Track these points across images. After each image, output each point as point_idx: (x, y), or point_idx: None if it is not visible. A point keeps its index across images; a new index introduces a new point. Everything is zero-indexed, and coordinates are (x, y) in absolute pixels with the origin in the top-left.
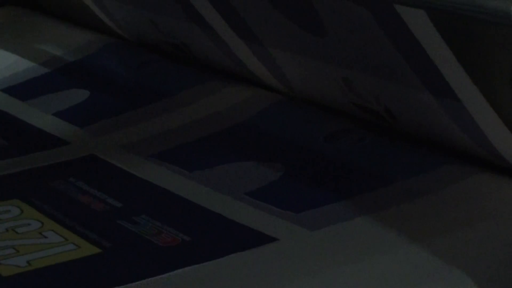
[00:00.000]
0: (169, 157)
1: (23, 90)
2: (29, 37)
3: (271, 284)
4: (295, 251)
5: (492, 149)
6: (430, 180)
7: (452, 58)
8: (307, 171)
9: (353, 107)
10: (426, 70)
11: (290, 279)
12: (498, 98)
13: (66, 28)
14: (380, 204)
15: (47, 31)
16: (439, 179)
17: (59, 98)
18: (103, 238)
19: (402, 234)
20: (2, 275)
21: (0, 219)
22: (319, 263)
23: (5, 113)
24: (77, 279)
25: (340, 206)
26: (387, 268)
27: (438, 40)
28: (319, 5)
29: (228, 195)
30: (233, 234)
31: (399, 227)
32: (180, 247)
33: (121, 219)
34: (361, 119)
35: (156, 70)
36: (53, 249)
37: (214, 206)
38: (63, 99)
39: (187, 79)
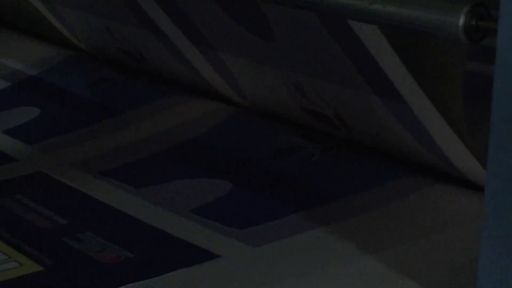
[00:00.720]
0: (117, 174)
1: None
2: None
3: None
4: (237, 267)
5: (441, 154)
6: (379, 194)
7: (400, 64)
8: (254, 187)
9: (305, 114)
10: (374, 75)
11: None
12: (448, 104)
13: (28, 42)
14: (326, 220)
15: (8, 45)
16: (389, 193)
17: (10, 115)
18: (46, 256)
19: (348, 248)
20: None
21: None
22: (260, 279)
23: None
24: None
25: (285, 222)
26: (332, 282)
27: (388, 49)
28: (267, 10)
29: (174, 212)
30: (176, 251)
31: (344, 242)
32: (123, 264)
33: (65, 236)
34: (313, 135)
35: (109, 87)
36: None
37: (159, 223)
38: (14, 117)
39: (141, 96)
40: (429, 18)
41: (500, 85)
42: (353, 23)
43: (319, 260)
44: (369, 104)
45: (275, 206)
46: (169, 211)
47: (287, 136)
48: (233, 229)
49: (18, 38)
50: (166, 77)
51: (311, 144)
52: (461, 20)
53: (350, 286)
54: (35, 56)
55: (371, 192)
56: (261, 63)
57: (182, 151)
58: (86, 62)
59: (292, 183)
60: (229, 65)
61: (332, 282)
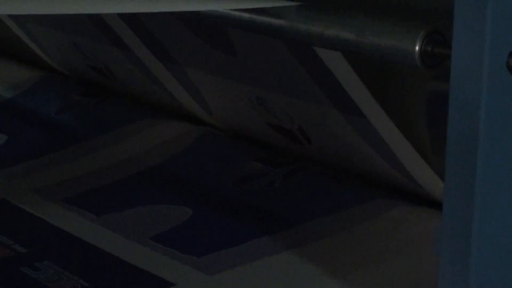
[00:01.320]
0: (80, 201)
1: None
2: None
3: None
4: None
5: (405, 172)
6: (342, 218)
7: (357, 79)
8: (214, 214)
9: (270, 130)
10: (336, 92)
11: None
12: (411, 125)
13: (4, 64)
14: (284, 245)
15: None
16: (353, 217)
17: None
18: (1, 286)
19: (307, 273)
20: None
21: None
22: None
23: None
24: None
25: (243, 249)
26: None
27: (349, 71)
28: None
29: (133, 240)
30: (132, 280)
31: (303, 267)
32: None
33: (23, 265)
34: (275, 161)
35: (78, 112)
36: None
37: (117, 251)
38: None
39: (107, 122)
40: (385, 44)
41: (455, 110)
42: (318, 50)
43: (275, 287)
44: (331, 119)
45: (234, 232)
46: (129, 238)
47: (249, 162)
48: (190, 257)
49: None
50: (135, 97)
51: (273, 170)
52: (417, 47)
53: None
54: (12, 78)
55: (334, 217)
56: (224, 77)
57: (145, 178)
58: (59, 84)
59: (252, 210)
60: (194, 80)
61: None
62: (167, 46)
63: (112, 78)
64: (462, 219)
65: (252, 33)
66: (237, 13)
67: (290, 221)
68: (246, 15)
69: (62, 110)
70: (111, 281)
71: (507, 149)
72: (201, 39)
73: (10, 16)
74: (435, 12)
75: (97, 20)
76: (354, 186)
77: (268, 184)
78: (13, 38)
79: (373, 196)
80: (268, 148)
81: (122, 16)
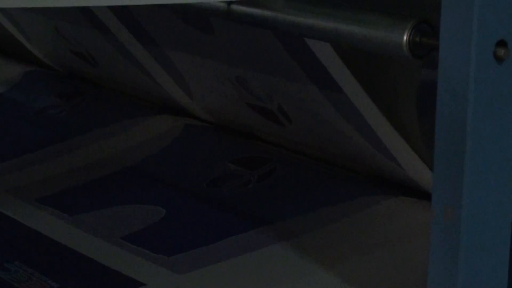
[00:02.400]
0: (53, 201)
1: None
2: None
3: None
4: None
5: (383, 147)
6: (309, 220)
7: (334, 55)
8: (187, 214)
9: (250, 111)
10: (313, 67)
11: None
12: (402, 118)
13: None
14: (254, 245)
15: None
16: (319, 219)
17: None
18: None
19: (278, 272)
20: None
21: None
22: None
23: None
24: None
25: (214, 248)
26: None
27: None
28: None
29: (105, 240)
30: (102, 280)
31: (271, 266)
32: None
33: None
34: (249, 163)
35: (56, 114)
36: None
37: (88, 251)
38: None
39: (84, 123)
40: (373, 35)
41: (443, 100)
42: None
43: (245, 286)
44: (309, 96)
45: (206, 232)
46: (101, 238)
47: (225, 163)
48: (161, 256)
49: None
50: (117, 85)
51: (248, 172)
52: (405, 37)
53: None
54: (5, 74)
55: (309, 215)
56: (204, 57)
57: (120, 178)
58: (41, 82)
59: (225, 210)
60: (174, 61)
61: None
62: (146, 27)
63: (94, 63)
64: (451, 210)
65: (243, 24)
66: (228, 5)
67: (262, 220)
68: (235, 6)
69: (41, 112)
70: (81, 282)
71: (495, 138)
72: (180, 19)
73: None
74: (423, 2)
75: None
76: (335, 184)
77: (242, 185)
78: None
79: (353, 195)
80: (242, 157)
81: None
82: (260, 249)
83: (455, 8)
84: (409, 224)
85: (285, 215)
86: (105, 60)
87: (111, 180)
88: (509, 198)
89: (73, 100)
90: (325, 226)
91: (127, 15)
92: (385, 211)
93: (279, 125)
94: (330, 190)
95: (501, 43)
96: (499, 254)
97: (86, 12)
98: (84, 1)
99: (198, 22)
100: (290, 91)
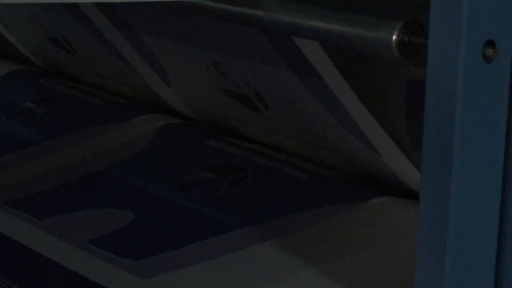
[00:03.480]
0: (22, 204)
1: None
2: None
3: None
4: None
5: (364, 137)
6: (281, 224)
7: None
8: (156, 218)
9: (227, 97)
10: (289, 51)
11: None
12: (390, 118)
13: None
14: (222, 250)
15: None
16: (291, 223)
17: None
18: None
19: (244, 277)
20: None
21: None
22: None
23: None
24: None
25: (180, 253)
26: None
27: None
28: None
29: (72, 244)
30: (67, 284)
31: (241, 271)
32: None
33: None
34: (221, 169)
35: (29, 118)
36: None
37: (55, 255)
38: None
39: (58, 128)
40: (363, 34)
41: (431, 100)
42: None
43: None
44: (286, 81)
45: (174, 237)
46: (68, 243)
47: (197, 170)
48: (127, 261)
49: None
50: (94, 75)
51: (219, 178)
52: (394, 37)
53: None
54: None
55: (268, 224)
56: (181, 43)
57: (89, 183)
58: (19, 82)
59: (193, 215)
60: (151, 47)
61: None
62: (122, 11)
63: (71, 50)
64: (439, 210)
65: (231, 23)
66: (216, 4)
67: (231, 225)
68: (224, 5)
69: (12, 116)
70: (46, 286)
71: (483, 138)
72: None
73: None
74: (412, 2)
75: None
76: (310, 190)
77: (212, 191)
78: None
79: (330, 201)
80: (214, 164)
81: None
82: (227, 253)
83: (444, 7)
84: (395, 224)
85: (254, 220)
86: (82, 46)
87: (81, 185)
88: (497, 198)
89: (47, 105)
90: (300, 230)
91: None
92: (364, 213)
93: (255, 111)
94: (305, 196)
95: (490, 43)
96: (486, 255)
97: None
98: None
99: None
100: (267, 76)
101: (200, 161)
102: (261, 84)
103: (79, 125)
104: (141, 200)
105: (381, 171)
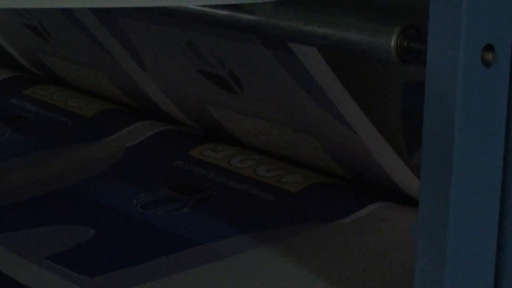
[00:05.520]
0: None
1: None
2: None
3: None
4: None
5: (346, 122)
6: (241, 242)
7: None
8: (116, 236)
9: (202, 78)
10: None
11: None
12: (386, 123)
13: None
14: (182, 265)
15: None
16: (253, 240)
17: None
18: None
19: None
20: None
21: None
22: None
23: None
24: None
25: (138, 270)
26: None
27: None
28: None
29: (29, 260)
30: None
31: (202, 287)
32: None
33: None
34: (186, 189)
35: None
36: None
37: (11, 271)
38: None
39: (26, 147)
40: (362, 39)
41: (430, 104)
42: None
43: None
44: (260, 58)
45: (133, 253)
46: (25, 258)
47: (161, 189)
48: (83, 277)
49: None
50: (74, 60)
51: (183, 197)
52: (393, 41)
53: None
54: None
55: (240, 238)
56: (154, 22)
57: (51, 199)
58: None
59: (155, 231)
60: (125, 29)
61: None
62: None
63: (48, 37)
64: (438, 215)
65: (229, 29)
66: (213, 10)
67: (192, 241)
68: (222, 12)
69: None
70: None
71: (483, 142)
72: None
73: None
74: (411, 7)
75: None
76: (276, 209)
77: (177, 208)
78: None
79: (294, 220)
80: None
81: None
82: (188, 269)
83: (443, 12)
84: (388, 231)
85: (216, 237)
86: (57, 32)
87: (44, 201)
88: (496, 201)
89: (16, 124)
90: (260, 247)
91: None
92: (357, 222)
93: (231, 92)
94: (271, 215)
95: (489, 47)
96: (485, 262)
97: None
98: (84, 2)
99: None
100: (240, 55)
101: (166, 180)
102: (236, 63)
103: (48, 144)
104: (103, 217)
105: (375, 174)
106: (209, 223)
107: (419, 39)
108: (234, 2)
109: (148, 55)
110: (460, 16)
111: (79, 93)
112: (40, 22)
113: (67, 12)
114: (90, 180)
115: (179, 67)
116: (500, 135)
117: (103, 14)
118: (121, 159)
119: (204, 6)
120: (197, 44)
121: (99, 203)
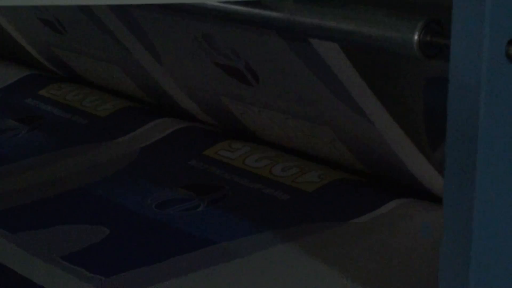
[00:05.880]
0: None
1: None
2: None
3: None
4: None
5: (367, 118)
6: (257, 240)
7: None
8: (131, 235)
9: (219, 71)
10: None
11: None
12: (408, 117)
13: None
14: (198, 264)
15: None
16: (259, 243)
17: None
18: None
19: None
20: None
21: None
22: None
23: None
24: None
25: (154, 269)
26: None
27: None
28: None
29: (43, 260)
30: None
31: (217, 287)
32: None
33: None
34: (201, 189)
35: (12, 136)
36: None
37: (26, 270)
38: None
39: (41, 146)
40: (384, 35)
41: (454, 99)
42: None
43: None
44: (277, 50)
45: (148, 252)
46: (40, 258)
47: (177, 189)
48: (98, 277)
49: None
50: (89, 53)
51: (198, 197)
52: (416, 36)
53: None
54: None
55: (245, 240)
56: (168, 15)
57: (68, 199)
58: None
59: (170, 231)
60: (140, 21)
61: None
62: None
63: (63, 31)
64: (463, 213)
65: (250, 26)
66: (233, 6)
67: (207, 241)
68: (242, 8)
69: (4, 131)
70: None
71: (508, 138)
72: None
73: None
74: (433, 1)
75: None
76: (291, 207)
77: (190, 208)
78: None
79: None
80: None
81: None
82: (203, 269)
83: (467, 6)
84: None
85: (230, 236)
86: (72, 25)
87: (59, 201)
88: None
89: (31, 124)
90: (276, 245)
91: None
92: (377, 219)
93: (247, 85)
94: (284, 214)
95: None
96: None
97: None
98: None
99: None
100: (256, 47)
101: (181, 180)
102: (252, 55)
103: (63, 144)
104: (118, 216)
105: (395, 169)
106: (223, 222)
107: (442, 34)
108: None
109: (163, 47)
110: (484, 10)
111: (94, 92)
112: (55, 16)
113: (81, 6)
114: (105, 179)
115: (194, 59)
116: None
117: (117, 6)
118: (135, 159)
119: (223, 2)
120: (213, 36)
121: (113, 202)
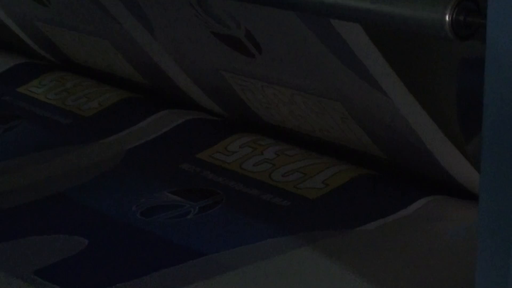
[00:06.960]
0: None
1: None
2: None
3: None
4: None
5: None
6: (244, 254)
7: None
8: (112, 246)
9: (217, 41)
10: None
11: None
12: (440, 108)
13: None
14: (187, 278)
15: None
16: (255, 254)
17: None
18: None
19: None
20: None
21: None
22: None
23: None
24: None
25: (139, 284)
26: None
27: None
28: None
29: (14, 275)
30: None
31: None
32: None
33: None
34: (191, 194)
35: None
36: None
37: None
38: None
39: (16, 148)
40: (413, 14)
41: (491, 86)
42: None
43: None
44: (283, 18)
45: (131, 265)
46: (10, 273)
47: (163, 194)
48: None
49: None
50: (75, 27)
51: (188, 203)
52: (448, 16)
53: None
54: None
55: (238, 250)
56: None
57: (41, 206)
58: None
59: (156, 241)
60: None
61: None
62: None
63: (47, 3)
64: (502, 212)
65: (267, 6)
66: None
67: (197, 252)
68: None
69: None
70: None
71: None
72: None
73: None
74: None
75: None
76: (287, 215)
77: (180, 215)
78: None
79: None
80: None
81: None
82: (192, 283)
83: None
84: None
85: (223, 247)
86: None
87: (32, 208)
88: None
89: (8, 123)
90: (273, 256)
91: None
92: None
93: (248, 56)
94: (283, 221)
95: None
96: None
97: None
98: None
99: None
100: (258, 13)
101: (170, 185)
102: (253, 23)
103: (42, 146)
104: (98, 225)
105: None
106: (215, 231)
107: (477, 13)
108: None
109: (156, 16)
110: None
111: (80, 88)
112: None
113: None
114: (84, 184)
115: (190, 29)
116: None
117: None
118: (120, 162)
119: None
120: (209, 3)
121: (94, 209)
